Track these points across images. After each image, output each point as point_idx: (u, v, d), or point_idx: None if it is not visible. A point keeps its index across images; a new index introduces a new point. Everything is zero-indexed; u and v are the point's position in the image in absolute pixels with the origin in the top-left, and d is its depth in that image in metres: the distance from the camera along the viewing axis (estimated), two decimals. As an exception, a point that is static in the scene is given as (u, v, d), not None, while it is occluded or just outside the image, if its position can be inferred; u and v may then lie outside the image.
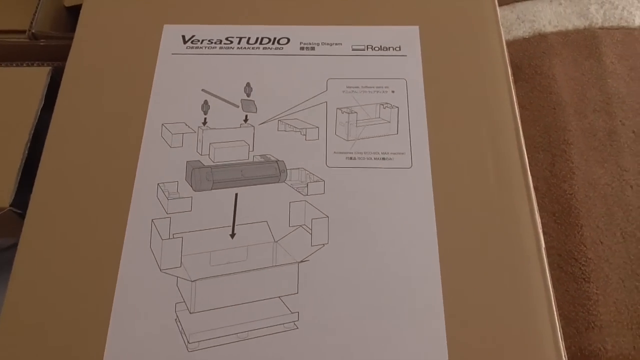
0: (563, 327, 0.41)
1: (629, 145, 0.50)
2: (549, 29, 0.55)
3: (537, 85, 0.53)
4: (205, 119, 0.39)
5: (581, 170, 0.49)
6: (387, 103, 0.39)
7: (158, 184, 0.36)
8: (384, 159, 0.37)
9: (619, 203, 0.47)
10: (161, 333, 0.32)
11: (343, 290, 0.33)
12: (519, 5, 0.58)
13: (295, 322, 0.32)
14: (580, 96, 0.52)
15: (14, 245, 0.42)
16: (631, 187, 0.48)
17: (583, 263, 0.45)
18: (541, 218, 0.40)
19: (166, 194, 0.36)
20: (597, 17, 0.55)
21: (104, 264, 0.34)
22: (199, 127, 0.38)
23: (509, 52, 0.40)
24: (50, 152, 0.37)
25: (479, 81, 0.39)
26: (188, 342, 0.32)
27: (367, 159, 0.37)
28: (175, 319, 0.33)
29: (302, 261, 0.34)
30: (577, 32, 0.55)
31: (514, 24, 0.56)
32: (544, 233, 0.41)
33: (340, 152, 0.37)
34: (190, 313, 0.33)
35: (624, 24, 0.55)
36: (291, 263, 0.34)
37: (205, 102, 0.39)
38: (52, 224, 0.35)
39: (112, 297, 0.33)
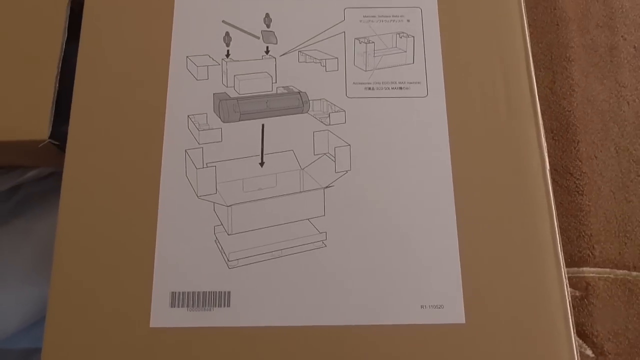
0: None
1: (628, 61, 0.51)
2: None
3: (541, 0, 0.53)
4: (228, 51, 0.40)
5: (581, 87, 0.50)
6: (403, 32, 0.40)
7: (188, 116, 0.38)
8: (400, 88, 0.39)
9: (615, 119, 0.49)
10: (203, 253, 0.36)
11: (367, 212, 0.36)
12: None
13: (324, 241, 0.36)
14: (584, 11, 0.52)
15: (53, 174, 0.45)
16: (628, 103, 0.50)
17: (578, 177, 0.47)
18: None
19: (197, 125, 0.38)
20: None
21: (145, 192, 0.37)
22: (222, 59, 0.39)
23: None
24: (81, 90, 0.38)
25: (491, 9, 0.40)
26: (228, 260, 0.36)
27: (385, 88, 0.39)
28: (215, 240, 0.36)
29: (327, 186, 0.37)
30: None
31: None
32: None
33: (359, 83, 0.39)
34: (228, 235, 0.36)
35: None
36: (317, 189, 0.37)
37: (227, 34, 0.40)
38: (92, 157, 0.37)
39: (156, 223, 0.36)
